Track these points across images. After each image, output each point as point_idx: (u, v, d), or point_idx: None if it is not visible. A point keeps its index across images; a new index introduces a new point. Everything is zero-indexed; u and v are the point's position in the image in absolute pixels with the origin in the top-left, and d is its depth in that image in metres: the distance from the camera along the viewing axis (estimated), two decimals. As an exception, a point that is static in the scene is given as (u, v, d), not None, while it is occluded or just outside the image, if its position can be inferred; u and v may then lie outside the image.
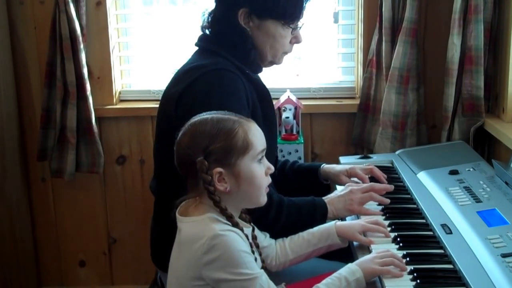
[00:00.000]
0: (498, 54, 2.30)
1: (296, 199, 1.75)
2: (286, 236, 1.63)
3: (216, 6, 1.82)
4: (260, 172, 1.39)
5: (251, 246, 1.38)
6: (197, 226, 1.35)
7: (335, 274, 1.39)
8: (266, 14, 1.76)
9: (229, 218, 1.35)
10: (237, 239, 1.31)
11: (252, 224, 1.49)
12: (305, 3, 1.81)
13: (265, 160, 1.42)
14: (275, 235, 1.65)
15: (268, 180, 1.43)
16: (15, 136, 2.69)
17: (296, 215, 1.70)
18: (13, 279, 2.71)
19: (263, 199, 1.43)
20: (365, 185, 1.81)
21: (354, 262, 1.43)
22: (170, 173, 1.48)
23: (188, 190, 1.41)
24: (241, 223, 1.44)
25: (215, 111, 1.42)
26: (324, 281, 1.38)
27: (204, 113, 1.42)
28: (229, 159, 1.34)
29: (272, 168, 1.43)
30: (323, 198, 1.77)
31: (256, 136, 1.39)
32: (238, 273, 1.28)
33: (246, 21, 1.77)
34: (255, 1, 1.74)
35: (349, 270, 1.39)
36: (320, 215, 1.72)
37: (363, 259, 1.44)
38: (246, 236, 1.36)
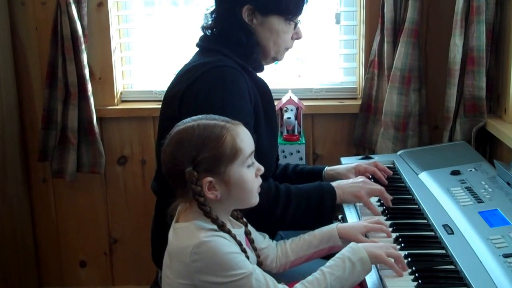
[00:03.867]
0: (500, 55, 2.29)
1: (304, 186, 1.76)
2: (298, 225, 1.63)
3: (217, 5, 1.82)
4: (250, 175, 1.37)
5: (244, 251, 1.36)
6: (181, 235, 1.34)
7: (337, 255, 1.38)
8: (269, 10, 1.77)
9: (221, 227, 1.33)
10: (223, 243, 1.30)
11: (244, 221, 1.48)
12: None
13: (255, 162, 1.39)
14: (286, 225, 1.66)
15: (259, 181, 1.40)
16: (16, 137, 2.69)
17: (305, 201, 1.71)
18: (14, 279, 2.71)
19: (255, 200, 1.41)
20: (377, 185, 1.81)
21: (359, 243, 1.41)
22: None
23: (177, 197, 1.39)
24: (233, 222, 1.44)
25: (201, 116, 1.39)
26: (327, 264, 1.37)
27: (189, 119, 1.39)
28: (219, 168, 1.32)
29: (262, 169, 1.40)
30: (331, 183, 1.78)
31: (244, 140, 1.36)
32: (231, 275, 1.27)
33: (250, 18, 1.77)
34: None
35: (352, 249, 1.38)
36: (329, 199, 1.72)
37: (370, 244, 1.43)
38: (234, 237, 1.34)
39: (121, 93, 2.77)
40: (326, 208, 1.72)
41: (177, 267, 1.32)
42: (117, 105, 2.73)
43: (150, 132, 2.71)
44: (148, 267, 2.55)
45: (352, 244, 1.41)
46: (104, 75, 2.68)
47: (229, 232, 1.34)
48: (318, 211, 1.69)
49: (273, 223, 1.69)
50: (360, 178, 1.81)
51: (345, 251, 1.38)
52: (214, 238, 1.29)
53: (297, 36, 1.87)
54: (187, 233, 1.32)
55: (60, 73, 2.53)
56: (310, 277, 1.35)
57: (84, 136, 2.62)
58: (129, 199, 2.80)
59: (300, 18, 1.84)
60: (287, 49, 1.88)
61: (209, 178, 1.32)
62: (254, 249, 1.48)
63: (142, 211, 2.77)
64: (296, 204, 1.70)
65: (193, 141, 1.32)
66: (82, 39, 2.51)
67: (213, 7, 1.83)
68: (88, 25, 2.57)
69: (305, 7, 1.83)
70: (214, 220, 1.33)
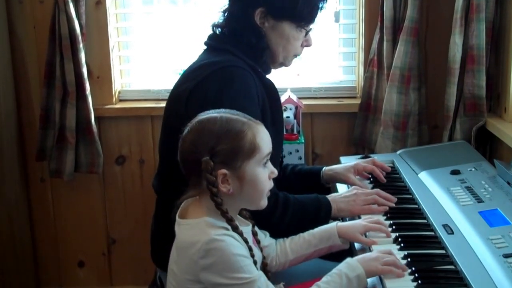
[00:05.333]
0: (500, 53, 2.28)
1: (300, 196, 1.75)
2: (291, 234, 1.62)
3: (231, 4, 1.82)
4: (264, 176, 1.37)
5: (250, 249, 1.36)
6: (192, 230, 1.33)
7: (334, 271, 1.37)
8: (282, 15, 1.77)
9: (229, 221, 1.34)
10: (233, 243, 1.29)
11: (251, 220, 1.47)
12: (321, 8, 1.82)
13: (269, 164, 1.40)
14: (280, 233, 1.65)
15: (271, 184, 1.41)
16: (14, 136, 2.68)
17: (301, 212, 1.71)
18: (12, 280, 2.70)
19: (264, 203, 1.41)
20: (370, 190, 1.81)
21: (354, 258, 1.41)
22: (175, 170, 1.47)
23: (189, 188, 1.39)
24: (241, 220, 1.43)
25: (224, 110, 1.40)
26: (324, 279, 1.36)
27: (213, 111, 1.40)
28: (235, 162, 1.33)
29: (276, 172, 1.42)
30: (327, 196, 1.77)
31: (264, 139, 1.37)
32: (235, 278, 1.27)
33: (262, 21, 1.77)
34: (273, 2, 1.75)
35: (349, 265, 1.37)
36: (324, 213, 1.72)
37: (364, 256, 1.42)
38: (241, 235, 1.34)
39: (119, 92, 2.76)
40: (321, 221, 1.70)
41: (184, 263, 1.32)
42: (115, 104, 2.72)
43: (148, 131, 2.70)
44: (146, 268, 2.56)
45: (348, 259, 1.40)
46: (102, 74, 2.67)
47: (236, 227, 1.34)
48: (312, 223, 1.68)
49: (268, 230, 1.68)
50: (353, 191, 1.79)
51: (342, 266, 1.38)
52: (224, 237, 1.29)
53: (307, 43, 1.87)
54: (197, 229, 1.32)
55: (58, 72, 2.52)
56: None
57: (82, 136, 2.61)
58: (128, 199, 2.79)
59: (312, 26, 1.84)
60: (295, 55, 1.88)
61: (224, 171, 1.32)
62: (258, 242, 1.48)
63: (140, 211, 2.76)
64: (292, 213, 1.70)
65: (214, 131, 1.33)
66: (80, 37, 2.50)
67: (226, 6, 1.83)
68: (86, 23, 2.56)
69: (319, 16, 1.82)
70: (224, 213, 1.33)
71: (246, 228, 1.42)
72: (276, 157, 1.84)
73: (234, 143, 1.32)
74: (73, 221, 2.83)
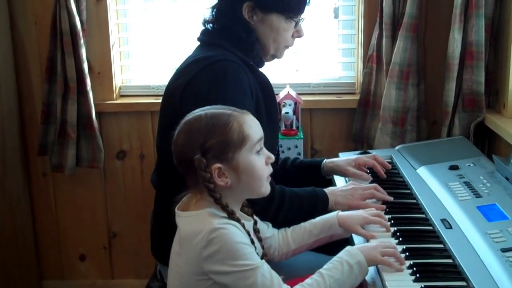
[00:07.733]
0: (499, 49, 2.29)
1: (298, 189, 1.76)
2: (288, 227, 1.64)
3: (219, 1, 1.83)
4: (259, 162, 1.38)
5: (252, 242, 1.37)
6: (195, 221, 1.35)
7: (335, 258, 1.38)
8: (270, 8, 1.77)
9: (230, 214, 1.35)
10: (235, 232, 1.31)
11: (254, 217, 1.49)
12: None
13: (264, 150, 1.41)
14: (277, 226, 1.65)
15: (269, 169, 1.42)
16: (16, 131, 2.69)
17: (298, 205, 1.71)
18: (14, 273, 2.71)
19: (266, 189, 1.42)
20: (368, 185, 1.82)
21: (354, 246, 1.42)
22: (172, 165, 1.48)
23: (188, 187, 1.40)
24: (243, 216, 1.44)
25: (208, 106, 1.41)
26: (325, 266, 1.37)
27: (198, 110, 1.41)
28: (227, 154, 1.34)
29: (272, 157, 1.42)
30: (324, 189, 1.78)
31: (252, 127, 1.38)
32: (238, 265, 1.28)
33: (250, 15, 1.77)
34: None
35: (349, 253, 1.38)
36: (321, 206, 1.73)
37: (366, 245, 1.44)
38: (244, 226, 1.36)
39: (119, 88, 2.77)
40: (318, 214, 1.70)
41: (187, 253, 1.33)
42: (116, 99, 2.73)
43: (148, 127, 2.71)
44: (147, 261, 2.57)
45: (348, 247, 1.41)
46: (103, 69, 2.68)
47: (238, 220, 1.35)
48: (309, 216, 1.69)
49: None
50: (350, 185, 1.80)
51: (342, 254, 1.39)
52: (227, 225, 1.31)
53: (298, 34, 1.87)
54: (200, 220, 1.33)
55: (59, 68, 2.53)
56: (308, 280, 1.35)
57: (83, 131, 2.62)
58: (128, 193, 2.81)
59: (302, 16, 1.84)
60: (287, 47, 1.88)
61: (218, 165, 1.34)
62: (259, 239, 1.49)
63: (141, 205, 2.78)
64: (289, 206, 1.70)
65: (201, 128, 1.34)
66: (81, 33, 2.51)
67: (215, 2, 1.84)
68: (87, 19, 2.56)
69: (307, 6, 1.83)
70: (224, 207, 1.34)
71: (248, 223, 1.43)
72: (272, 150, 1.85)
73: (222, 136, 1.34)
74: (74, 215, 2.85)
